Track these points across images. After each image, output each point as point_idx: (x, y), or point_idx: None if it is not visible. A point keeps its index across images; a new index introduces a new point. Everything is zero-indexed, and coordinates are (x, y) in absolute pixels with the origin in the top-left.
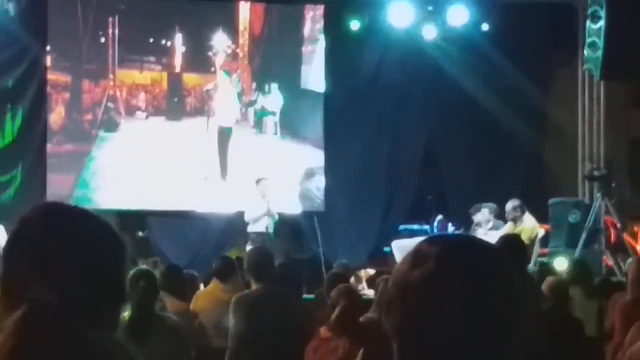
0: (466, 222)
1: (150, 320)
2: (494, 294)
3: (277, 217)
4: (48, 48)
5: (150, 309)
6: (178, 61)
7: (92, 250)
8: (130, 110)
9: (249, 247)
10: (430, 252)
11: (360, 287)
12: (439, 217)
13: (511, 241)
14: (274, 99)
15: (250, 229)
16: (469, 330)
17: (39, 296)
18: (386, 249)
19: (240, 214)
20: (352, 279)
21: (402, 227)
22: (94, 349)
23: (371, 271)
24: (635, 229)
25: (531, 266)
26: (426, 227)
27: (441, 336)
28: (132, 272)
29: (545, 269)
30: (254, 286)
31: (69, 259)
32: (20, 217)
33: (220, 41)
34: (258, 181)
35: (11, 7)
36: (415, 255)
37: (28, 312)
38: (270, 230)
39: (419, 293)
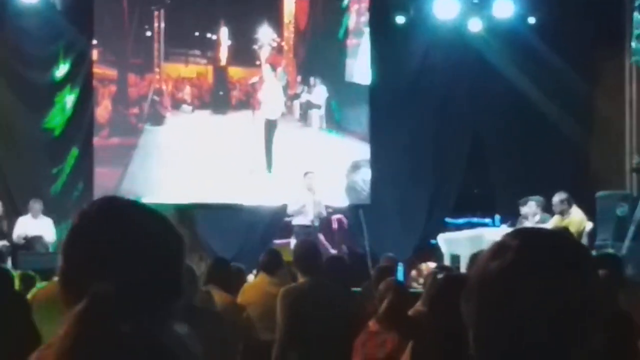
0: (513, 215)
1: (190, 315)
2: (571, 287)
3: (324, 213)
4: (94, 42)
5: (189, 304)
6: (223, 54)
7: (150, 244)
8: (176, 104)
9: (293, 240)
10: (511, 244)
11: (421, 280)
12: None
13: None
14: (319, 92)
15: (295, 222)
16: (545, 321)
17: (100, 290)
18: (433, 241)
19: (286, 207)
20: (414, 272)
21: (448, 220)
22: (155, 343)
23: (432, 264)
24: None
25: None
26: (476, 219)
27: (517, 326)
28: None
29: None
30: (301, 279)
31: (128, 253)
32: (80, 212)
33: (265, 34)
34: (305, 174)
35: (58, 2)
36: (497, 247)
37: (89, 306)
38: (316, 223)
39: (497, 283)
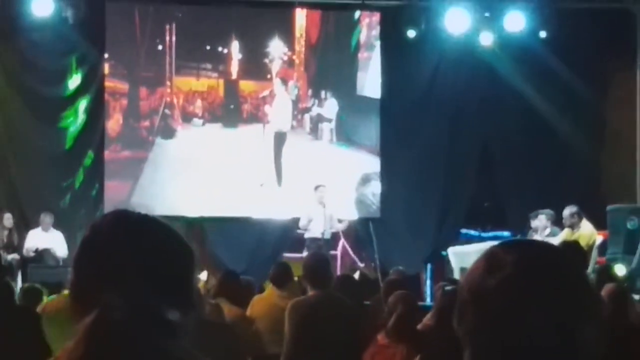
0: (523, 228)
1: (200, 327)
2: (572, 301)
3: (339, 225)
4: (106, 56)
5: (198, 317)
6: (234, 68)
7: (161, 258)
8: (187, 117)
9: (304, 254)
10: (507, 259)
11: None
12: None
13: (571, 247)
14: (329, 105)
15: (307, 235)
16: (547, 336)
17: (110, 302)
18: (443, 252)
19: (296, 220)
20: None
21: (463, 230)
22: (166, 356)
23: None
24: None
25: (589, 272)
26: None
27: (518, 342)
28: None
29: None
30: (310, 292)
31: (139, 267)
32: (92, 225)
33: (276, 48)
34: (316, 188)
35: (70, 15)
36: (490, 261)
37: (99, 318)
38: (327, 236)
39: (496, 299)
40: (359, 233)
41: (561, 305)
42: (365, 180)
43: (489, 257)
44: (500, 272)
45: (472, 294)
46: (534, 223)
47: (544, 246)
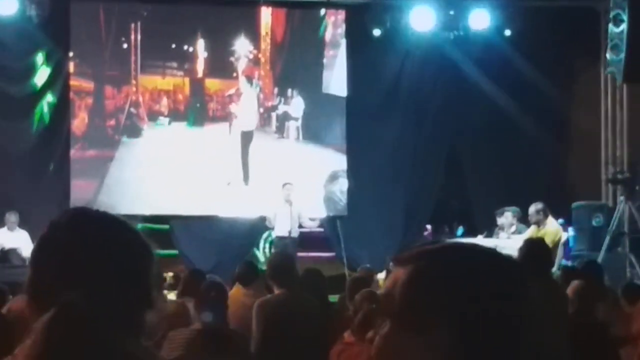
0: (490, 226)
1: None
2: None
3: (309, 222)
4: (71, 54)
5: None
6: (200, 66)
7: (119, 255)
8: (153, 116)
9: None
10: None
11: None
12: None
13: (535, 245)
14: (296, 103)
15: (273, 233)
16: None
17: (68, 299)
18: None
19: (263, 219)
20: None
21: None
22: (124, 353)
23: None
24: None
25: (555, 270)
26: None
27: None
28: None
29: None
30: (276, 291)
31: (97, 264)
32: (50, 222)
33: (242, 46)
34: (284, 185)
35: (34, 14)
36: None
37: (57, 315)
38: (294, 235)
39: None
40: (327, 231)
41: (462, 307)
42: (333, 178)
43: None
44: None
45: (382, 297)
46: (500, 220)
47: (452, 246)
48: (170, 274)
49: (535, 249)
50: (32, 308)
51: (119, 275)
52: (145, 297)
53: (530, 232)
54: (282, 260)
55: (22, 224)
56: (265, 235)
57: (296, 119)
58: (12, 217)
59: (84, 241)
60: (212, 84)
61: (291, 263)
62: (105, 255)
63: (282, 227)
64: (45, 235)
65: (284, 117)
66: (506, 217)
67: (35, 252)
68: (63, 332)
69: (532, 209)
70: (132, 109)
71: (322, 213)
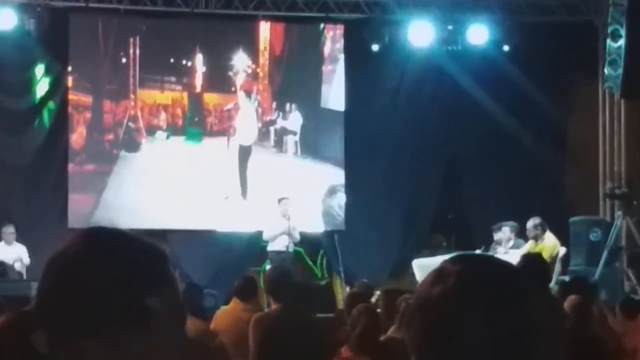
0: (487, 240)
1: None
2: (514, 313)
3: (298, 238)
4: (69, 69)
5: None
6: (198, 81)
7: (129, 273)
8: (151, 130)
9: (268, 266)
10: (452, 270)
11: None
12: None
13: (532, 260)
14: (294, 118)
15: (270, 247)
16: (488, 347)
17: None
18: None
19: (261, 233)
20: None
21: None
22: None
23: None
24: None
25: (552, 285)
26: None
27: (460, 352)
28: None
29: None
30: (273, 305)
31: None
32: (65, 242)
33: (240, 61)
34: (280, 200)
35: (33, 28)
36: (438, 273)
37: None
38: (291, 249)
39: (439, 309)
40: (325, 245)
41: (504, 316)
42: (331, 192)
43: (437, 269)
44: (444, 283)
45: (418, 303)
46: (497, 235)
47: (490, 260)
48: None
49: (533, 263)
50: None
51: (124, 292)
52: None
53: (528, 246)
54: (279, 275)
55: (20, 238)
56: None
57: (294, 134)
58: (9, 230)
59: (95, 258)
60: (211, 98)
61: (288, 278)
62: (113, 273)
63: (279, 241)
64: (57, 255)
65: (282, 132)
66: (504, 232)
67: (45, 274)
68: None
69: (530, 223)
70: (130, 124)
71: (320, 228)
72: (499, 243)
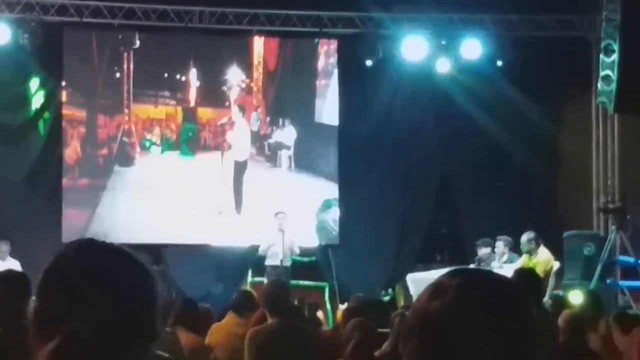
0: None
1: None
2: (513, 327)
3: (298, 251)
4: (63, 83)
5: None
6: (192, 95)
7: (124, 287)
8: (145, 145)
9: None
10: (451, 284)
11: None
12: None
13: (526, 274)
14: (288, 132)
15: (266, 262)
16: (488, 358)
17: (73, 329)
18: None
19: (255, 248)
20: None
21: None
22: None
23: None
24: None
25: (546, 299)
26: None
27: None
28: None
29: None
30: (269, 320)
31: (102, 295)
32: (56, 254)
33: (234, 76)
34: (276, 215)
35: (27, 43)
36: (436, 287)
37: (62, 344)
38: (286, 263)
39: (439, 323)
40: (319, 260)
41: (501, 331)
42: (326, 206)
43: (434, 284)
44: (443, 297)
45: (416, 317)
46: (481, 251)
47: (488, 273)
48: None
49: (526, 278)
50: (37, 338)
51: (123, 306)
52: (149, 328)
53: (522, 261)
54: (276, 289)
55: (14, 253)
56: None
57: (288, 148)
58: (2, 246)
59: (89, 273)
60: (205, 112)
61: (285, 292)
62: (110, 286)
63: (275, 256)
64: (50, 266)
65: (276, 146)
66: (498, 247)
67: (41, 284)
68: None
69: (524, 238)
70: (124, 138)
71: (314, 242)
72: (482, 259)
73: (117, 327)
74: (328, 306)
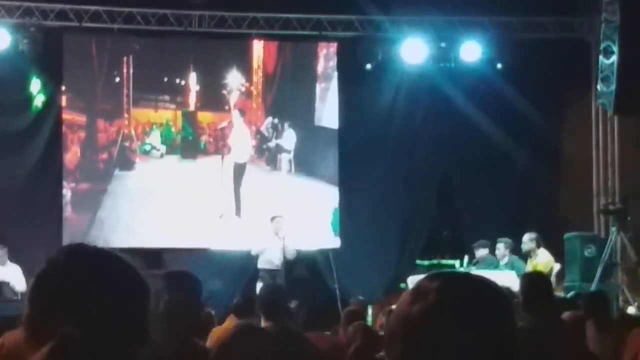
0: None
1: None
2: (494, 327)
3: (295, 253)
4: (63, 88)
5: None
6: (192, 99)
7: (115, 290)
8: (145, 149)
9: (259, 285)
10: (431, 287)
11: None
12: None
13: (536, 279)
14: (288, 136)
15: (261, 265)
16: (470, 358)
17: (66, 333)
18: (402, 285)
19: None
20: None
21: (418, 261)
22: None
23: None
24: None
25: None
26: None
27: None
28: None
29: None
30: (264, 324)
31: (94, 299)
32: (48, 258)
33: (234, 79)
34: (273, 219)
35: (26, 49)
36: (416, 291)
37: (55, 347)
38: (282, 267)
39: (420, 326)
40: (319, 263)
41: (481, 333)
42: (325, 209)
43: (414, 288)
44: (423, 300)
45: (398, 321)
46: (478, 253)
47: (466, 275)
48: None
49: (536, 282)
50: (30, 342)
51: (114, 310)
52: (140, 332)
53: (528, 266)
54: (272, 292)
55: (15, 258)
56: None
57: (288, 152)
58: (0, 251)
59: (81, 277)
60: (205, 116)
61: (281, 296)
62: (101, 290)
63: (272, 259)
64: (42, 271)
65: (276, 150)
66: (498, 249)
67: (33, 288)
68: None
69: (526, 237)
70: (124, 142)
71: (314, 246)
72: (480, 261)
73: (109, 330)
74: None
